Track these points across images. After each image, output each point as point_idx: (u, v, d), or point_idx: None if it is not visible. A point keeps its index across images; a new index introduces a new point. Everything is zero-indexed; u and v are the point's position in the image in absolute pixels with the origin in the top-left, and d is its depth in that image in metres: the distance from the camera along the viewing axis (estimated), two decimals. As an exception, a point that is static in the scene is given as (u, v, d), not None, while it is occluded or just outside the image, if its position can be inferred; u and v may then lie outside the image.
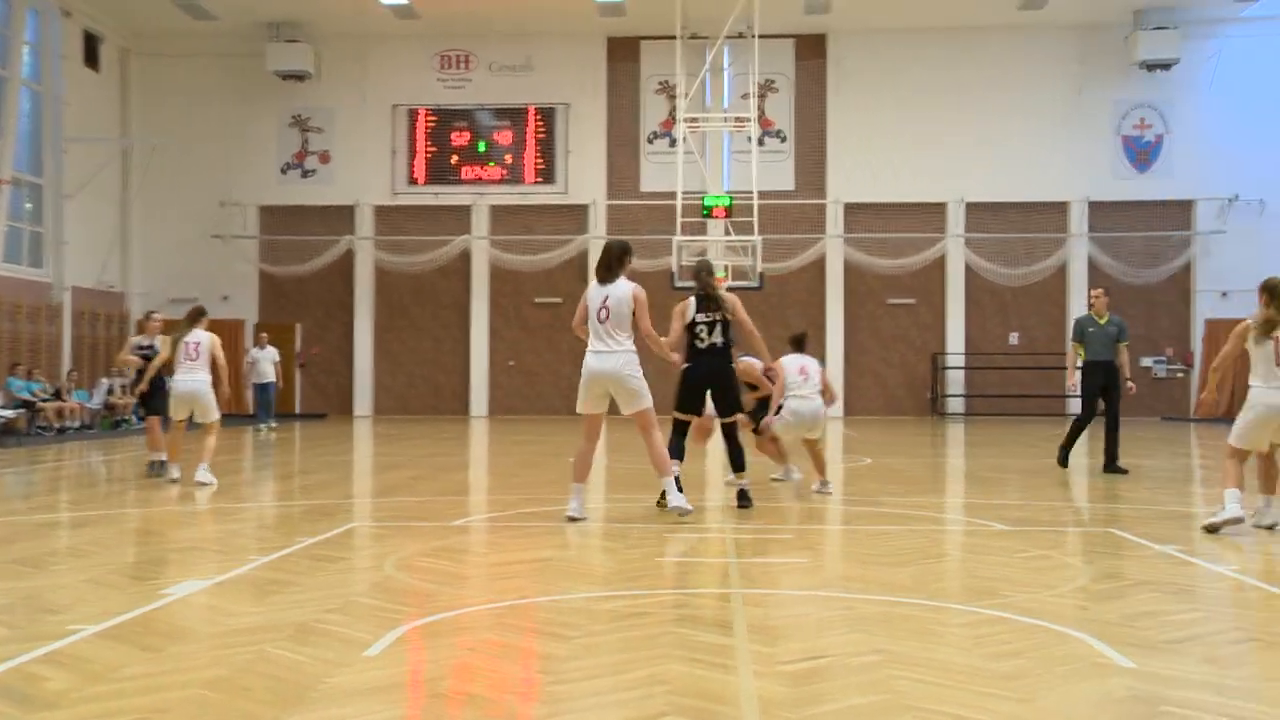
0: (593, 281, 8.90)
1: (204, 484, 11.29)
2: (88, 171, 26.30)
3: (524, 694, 4.37)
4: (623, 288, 8.71)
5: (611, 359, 8.63)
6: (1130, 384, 12.91)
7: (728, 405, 9.41)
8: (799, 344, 11.12)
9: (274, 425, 22.11)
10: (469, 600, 6.07)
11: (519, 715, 4.09)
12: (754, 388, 11.25)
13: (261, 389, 22.38)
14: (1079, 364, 12.95)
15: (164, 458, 12.41)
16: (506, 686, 4.47)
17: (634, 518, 9.26)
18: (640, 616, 5.60)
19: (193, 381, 11.73)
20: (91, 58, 27.37)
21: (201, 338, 11.91)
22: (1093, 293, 13.33)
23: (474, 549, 8.10)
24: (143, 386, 12.93)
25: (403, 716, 4.03)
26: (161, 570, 6.97)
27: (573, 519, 8.77)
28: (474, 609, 5.80)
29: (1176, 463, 14.98)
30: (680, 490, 8.94)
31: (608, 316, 8.64)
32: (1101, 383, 12.83)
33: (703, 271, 9.62)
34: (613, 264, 8.81)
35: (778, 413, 10.65)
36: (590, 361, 8.74)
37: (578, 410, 8.98)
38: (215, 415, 11.91)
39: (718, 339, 9.32)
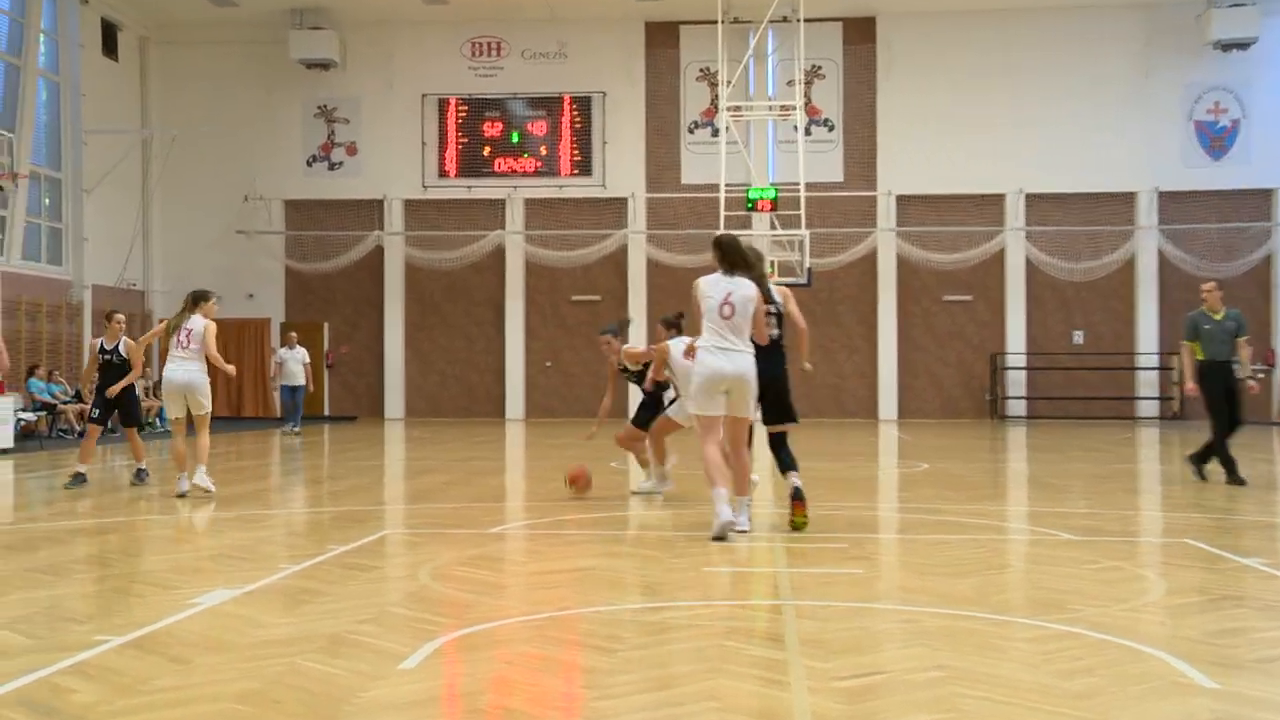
0: (710, 276, 8.60)
1: (206, 490, 11.09)
2: (107, 164, 26.63)
3: (566, 709, 4.37)
4: (748, 286, 8.48)
5: (740, 359, 8.34)
6: (1252, 382, 12.51)
7: (780, 412, 9.06)
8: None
9: (298, 430, 22.28)
10: (507, 611, 6.07)
11: (563, 732, 4.08)
12: (639, 376, 11.23)
13: (290, 391, 22.49)
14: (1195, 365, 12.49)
15: (139, 465, 12.68)
16: (547, 702, 4.46)
17: (680, 525, 9.23)
18: (688, 629, 5.58)
19: (185, 371, 11.28)
20: (110, 46, 27.77)
21: (195, 324, 11.36)
22: (1204, 287, 12.75)
23: (512, 557, 8.12)
24: (113, 390, 12.40)
25: (441, 733, 4.03)
26: (189, 578, 7.03)
27: (739, 531, 8.45)
28: (513, 620, 5.80)
29: (1258, 469, 14.74)
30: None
31: (732, 314, 8.36)
32: (1224, 384, 12.31)
33: (754, 257, 9.37)
34: (738, 260, 8.57)
35: (673, 402, 10.70)
36: (710, 360, 8.38)
37: (692, 411, 8.65)
38: (208, 406, 11.48)
39: (775, 332, 9.00)
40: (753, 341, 8.69)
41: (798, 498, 8.81)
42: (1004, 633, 5.54)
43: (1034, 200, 28.19)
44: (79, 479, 12.29)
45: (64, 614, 5.97)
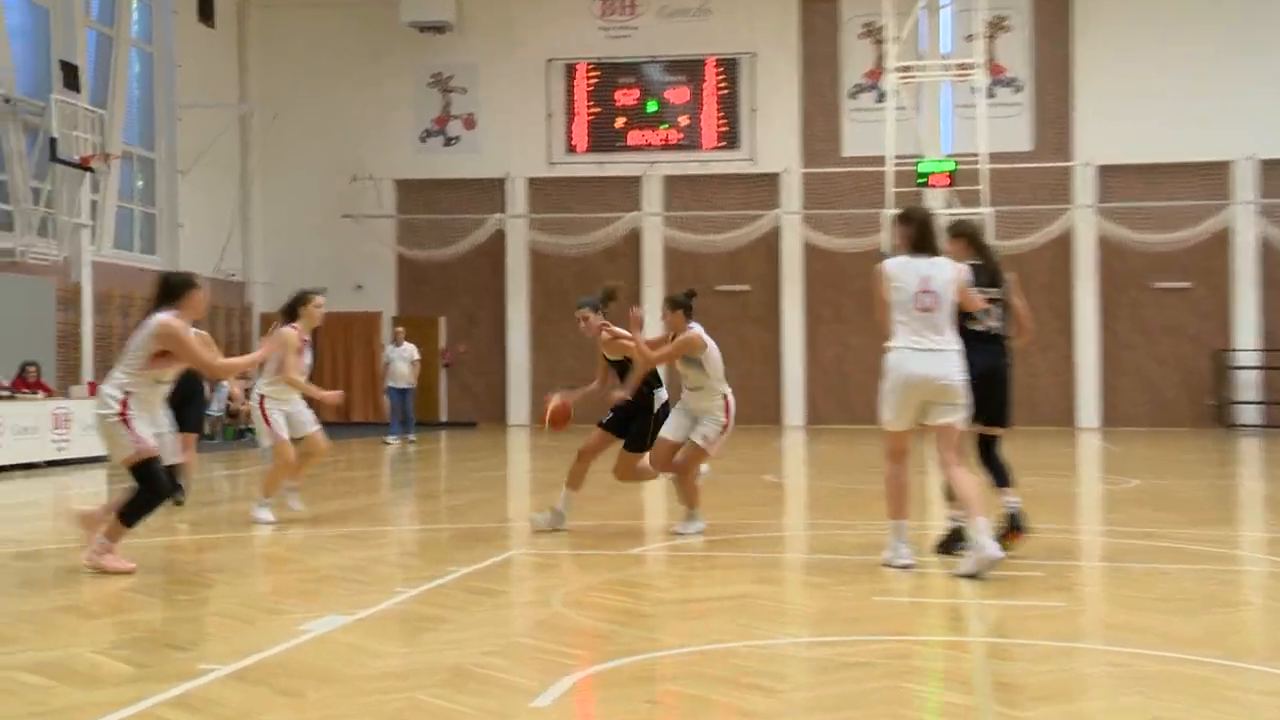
0: (899, 258, 8.10)
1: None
2: (203, 142, 27.45)
3: (723, 758, 4.35)
4: (948, 267, 8.02)
5: (946, 361, 7.85)
6: None
7: (1000, 414, 8.56)
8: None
9: (412, 438, 22.71)
10: (651, 644, 6.10)
11: (719, 783, 4.08)
12: (622, 369, 9.98)
13: (398, 394, 22.66)
14: None
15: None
16: (702, 748, 4.45)
17: (845, 547, 9.15)
18: (858, 667, 5.55)
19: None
20: (206, 12, 28.72)
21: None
22: None
23: (656, 582, 8.17)
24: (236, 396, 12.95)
25: (581, 780, 4.06)
26: (297, 602, 7.24)
27: (905, 567, 8.02)
28: (658, 654, 5.83)
29: None
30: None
31: (935, 304, 7.86)
32: None
33: (973, 232, 8.79)
34: (929, 235, 8.08)
35: (724, 429, 9.71)
36: (911, 362, 7.87)
37: (888, 426, 8.12)
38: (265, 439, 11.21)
39: (995, 323, 8.50)
40: (976, 329, 8.32)
41: (1016, 527, 8.34)
42: (1238, 682, 5.42)
43: (1269, 167, 27.25)
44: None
45: (164, 639, 6.22)
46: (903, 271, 7.95)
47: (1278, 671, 5.56)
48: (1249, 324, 27.60)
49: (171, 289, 8.23)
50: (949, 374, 7.81)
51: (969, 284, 8.07)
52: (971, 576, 7.54)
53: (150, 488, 7.95)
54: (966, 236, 8.68)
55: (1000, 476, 8.59)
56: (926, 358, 7.84)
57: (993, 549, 7.57)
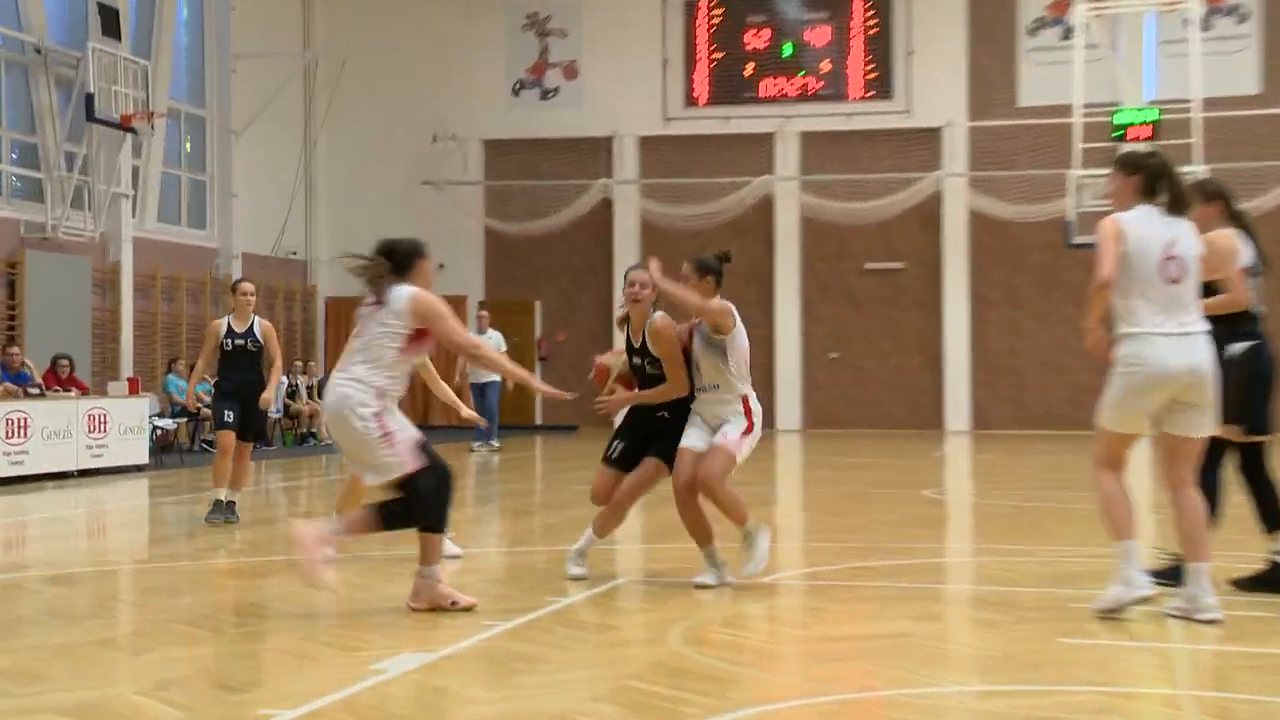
0: (1135, 214, 7.51)
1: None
2: (261, 98, 27.75)
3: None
4: (1192, 233, 7.51)
5: (1198, 346, 7.31)
6: None
7: (1243, 412, 7.99)
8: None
9: (496, 444, 22.67)
10: (785, 690, 6.07)
11: None
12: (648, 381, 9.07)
13: (479, 391, 22.25)
14: None
15: (232, 495, 12.47)
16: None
17: (1021, 578, 9.00)
18: None
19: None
20: (266, -54, 29.02)
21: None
22: None
23: (790, 617, 8.13)
24: (267, 398, 12.65)
25: None
26: (368, 637, 7.28)
27: (1143, 600, 7.47)
28: (793, 703, 5.80)
29: None
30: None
31: (1181, 274, 7.34)
32: None
33: (1230, 194, 8.35)
34: (1175, 187, 7.53)
35: (748, 431, 8.76)
36: (1161, 349, 7.31)
37: (1111, 427, 7.55)
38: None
39: (1261, 307, 8.18)
40: (1256, 310, 8.08)
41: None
42: None
43: None
44: (221, 508, 12.39)
45: (216, 679, 6.29)
46: (1144, 228, 7.38)
47: None
48: None
49: (403, 258, 8.17)
50: (1201, 364, 7.26)
51: (1244, 261, 7.80)
52: (1111, 611, 7.35)
53: (422, 500, 7.67)
54: (1225, 199, 8.36)
55: (1270, 516, 8.18)
56: (1178, 344, 7.28)
57: (1211, 605, 7.20)
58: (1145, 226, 7.33)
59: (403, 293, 7.78)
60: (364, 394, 7.52)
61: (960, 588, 9.14)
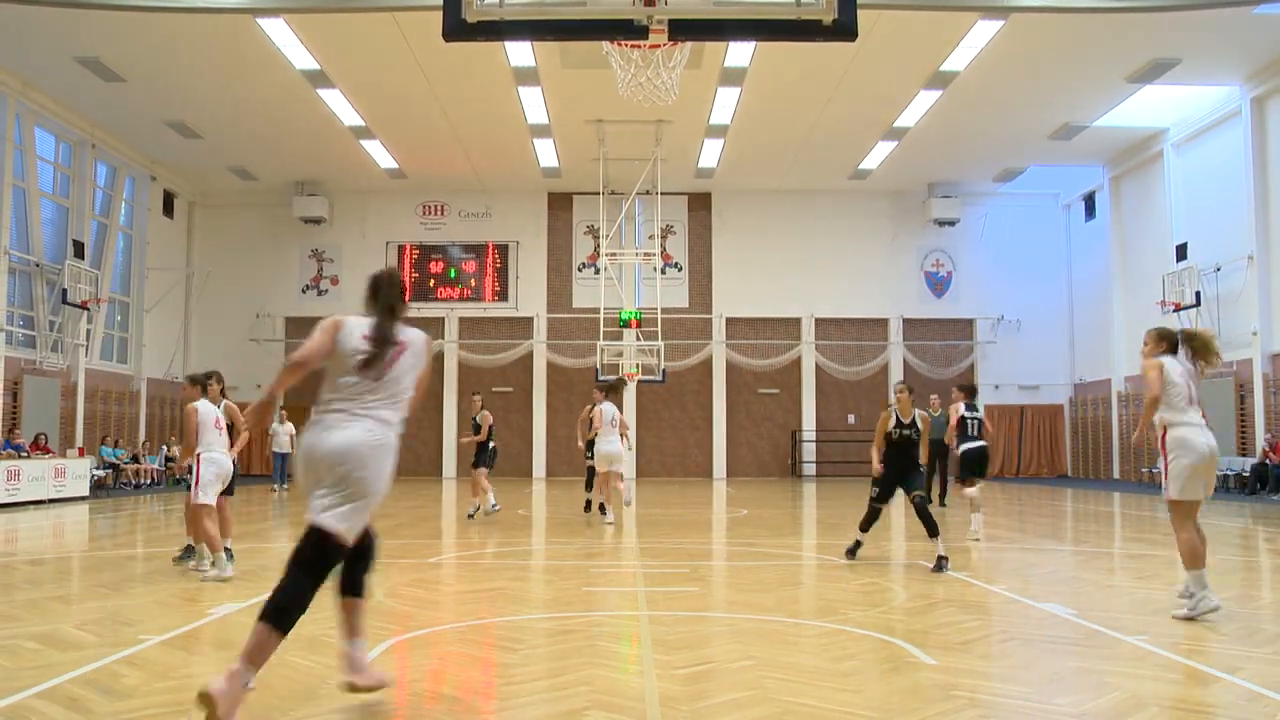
0: (1171, 358, 5.96)
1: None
2: (161, 292, 26.46)
3: None
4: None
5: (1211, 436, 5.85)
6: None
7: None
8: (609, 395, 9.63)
9: (285, 487, 20.56)
10: (436, 620, 5.64)
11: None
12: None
13: (280, 459, 20.47)
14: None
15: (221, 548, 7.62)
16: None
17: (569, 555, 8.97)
18: (567, 634, 5.27)
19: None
20: (168, 209, 27.31)
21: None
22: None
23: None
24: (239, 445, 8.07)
25: None
26: (209, 594, 6.49)
27: (1215, 609, 5.69)
28: (440, 628, 5.38)
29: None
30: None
31: (1192, 391, 5.96)
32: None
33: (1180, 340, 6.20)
34: (1203, 347, 6.05)
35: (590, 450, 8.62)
36: (1202, 440, 5.83)
37: (1192, 496, 5.80)
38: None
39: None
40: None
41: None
42: (797, 632, 5.44)
43: (821, 323, 28.85)
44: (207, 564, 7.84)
45: (119, 618, 5.36)
46: (1175, 371, 5.94)
47: (818, 623, 5.60)
48: (810, 415, 28.49)
49: (399, 292, 4.23)
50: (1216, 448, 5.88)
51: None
52: (1191, 619, 5.73)
53: (371, 553, 4.16)
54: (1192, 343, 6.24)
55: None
56: (1208, 434, 5.91)
57: (1214, 599, 5.75)
58: (1175, 371, 5.94)
59: (415, 336, 4.26)
60: (393, 433, 4.07)
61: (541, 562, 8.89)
